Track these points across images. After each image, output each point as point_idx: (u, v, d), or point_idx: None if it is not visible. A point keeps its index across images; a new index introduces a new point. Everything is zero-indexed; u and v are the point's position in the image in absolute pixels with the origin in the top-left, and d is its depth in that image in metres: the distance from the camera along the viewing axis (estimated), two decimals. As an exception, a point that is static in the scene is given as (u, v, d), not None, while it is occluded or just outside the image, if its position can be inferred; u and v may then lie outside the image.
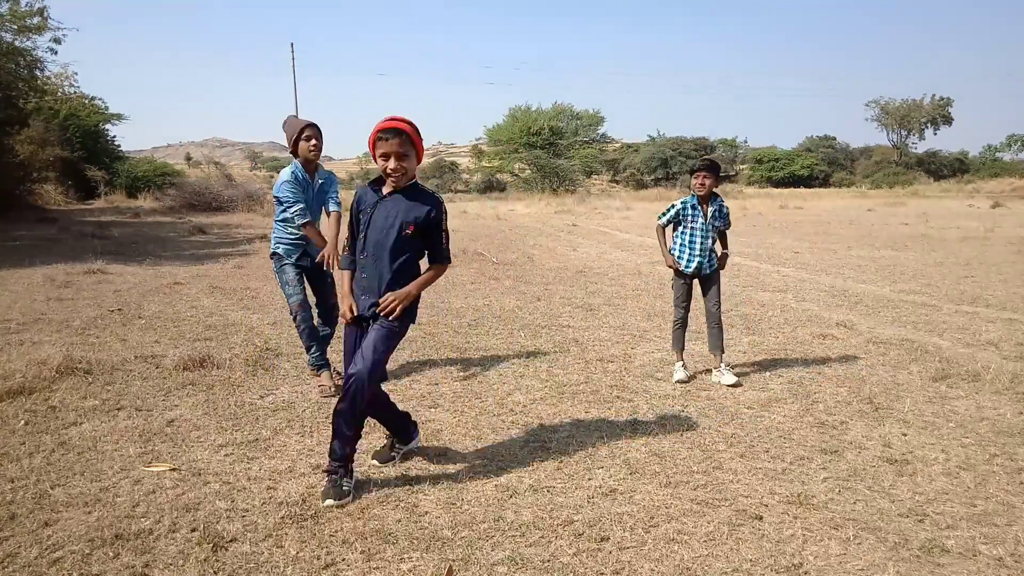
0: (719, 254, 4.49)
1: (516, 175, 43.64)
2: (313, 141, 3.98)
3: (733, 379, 4.22)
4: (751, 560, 2.29)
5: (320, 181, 4.14)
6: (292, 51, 33.33)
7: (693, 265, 4.37)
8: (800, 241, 13.16)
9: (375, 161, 2.76)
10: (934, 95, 54.96)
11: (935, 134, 57.40)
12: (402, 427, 3.09)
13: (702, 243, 4.35)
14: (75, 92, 23.82)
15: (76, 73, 22.44)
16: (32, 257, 9.58)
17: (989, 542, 2.42)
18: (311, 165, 4.08)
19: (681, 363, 4.41)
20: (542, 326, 5.77)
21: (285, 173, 4.02)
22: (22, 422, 3.44)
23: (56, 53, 17.72)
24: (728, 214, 4.48)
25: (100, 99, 27.38)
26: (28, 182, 19.79)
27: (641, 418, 3.64)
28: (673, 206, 4.45)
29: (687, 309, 4.45)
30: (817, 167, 49.11)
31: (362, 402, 2.72)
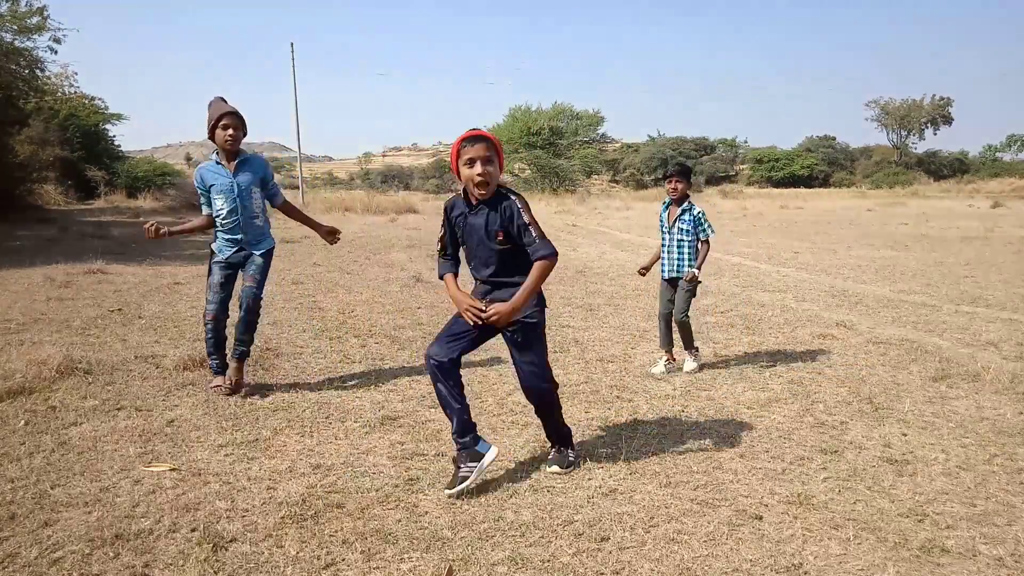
0: (689, 270, 4.39)
1: (516, 175, 43.64)
2: (230, 131, 3.81)
3: (692, 366, 4.40)
4: (751, 560, 2.28)
5: (240, 160, 3.92)
6: (292, 51, 33.27)
7: (665, 268, 4.51)
8: (800, 241, 13.16)
9: (457, 174, 2.81)
10: (934, 95, 55.07)
11: (935, 134, 57.48)
12: (564, 435, 3.07)
13: (669, 246, 4.46)
14: (75, 92, 23.85)
15: (76, 73, 22.47)
16: (32, 257, 9.58)
17: (989, 542, 2.42)
18: (229, 155, 3.89)
19: (664, 359, 4.47)
20: (542, 326, 5.77)
21: (196, 170, 3.98)
22: (22, 422, 3.44)
23: (56, 53, 17.75)
24: (700, 220, 4.39)
25: (100, 99, 27.41)
26: (28, 182, 19.80)
27: (641, 418, 3.64)
28: (661, 218, 4.61)
29: (667, 305, 4.52)
30: (817, 167, 49.12)
31: (553, 404, 2.96)
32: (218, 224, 3.95)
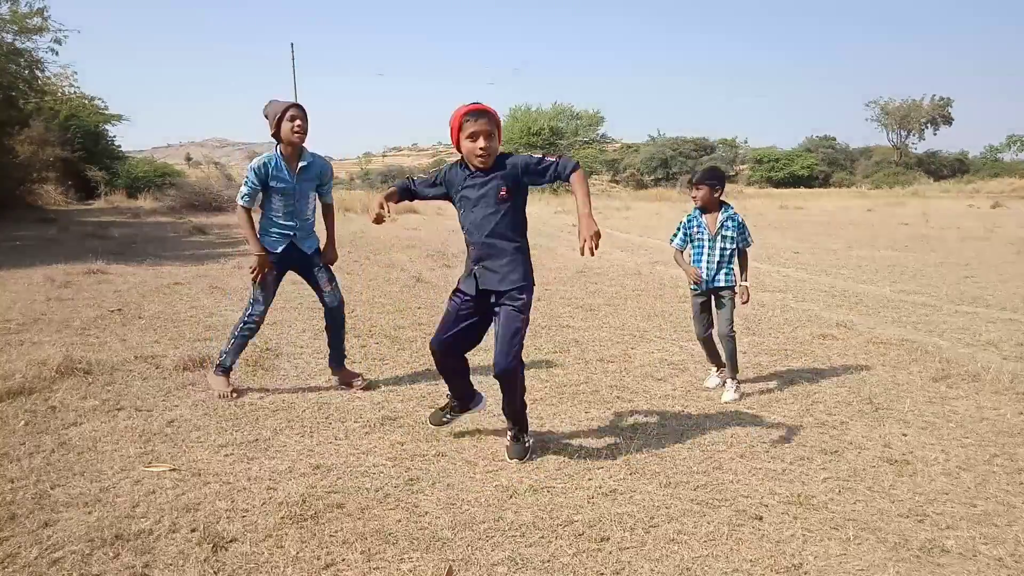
0: (737, 279, 4.06)
1: (516, 175, 43.51)
2: (298, 122, 3.73)
3: (732, 396, 3.97)
4: (751, 560, 2.28)
5: (303, 164, 3.85)
6: (292, 51, 33.31)
7: (705, 280, 4.06)
8: (800, 241, 13.16)
9: (457, 147, 2.85)
10: (934, 95, 54.98)
11: (935, 134, 57.40)
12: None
13: (709, 255, 4.06)
14: (75, 92, 23.85)
15: (76, 73, 22.45)
16: (32, 257, 9.58)
17: (989, 542, 2.42)
18: (294, 149, 3.81)
19: (716, 370, 4.21)
20: (542, 326, 5.77)
21: (257, 159, 3.82)
22: (22, 422, 3.44)
23: (57, 54, 17.72)
24: (743, 226, 4.09)
25: (100, 99, 27.37)
26: (28, 182, 19.78)
27: (641, 418, 3.64)
28: (680, 224, 4.19)
29: (706, 325, 4.14)
30: (817, 167, 49.09)
31: (518, 383, 3.01)
32: (271, 220, 3.87)
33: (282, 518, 2.52)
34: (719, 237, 4.05)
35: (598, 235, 2.66)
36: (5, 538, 2.37)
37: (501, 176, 2.86)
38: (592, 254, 2.69)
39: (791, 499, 2.72)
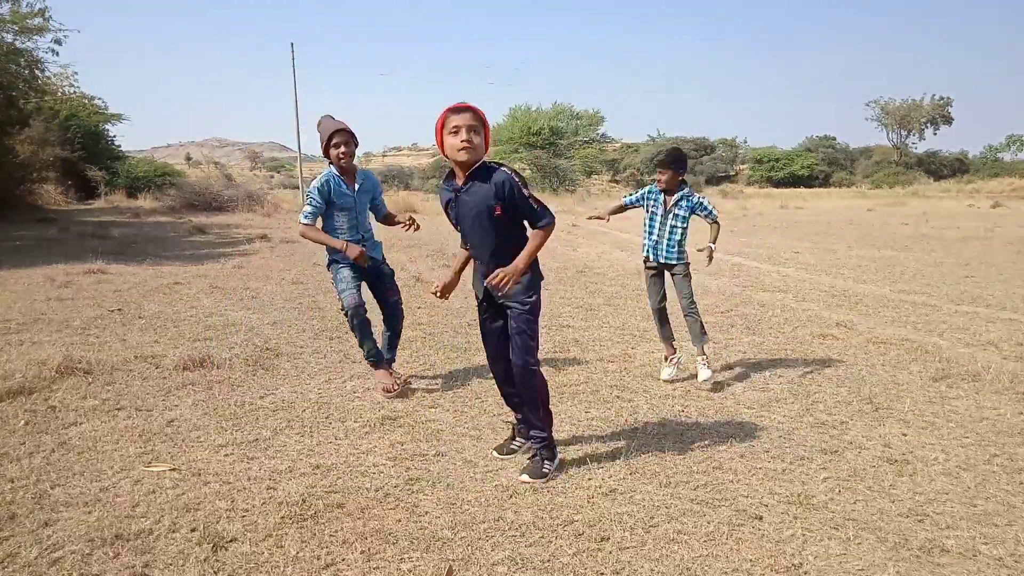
0: (706, 246, 4.28)
1: (516, 175, 43.50)
2: (342, 148, 3.88)
3: (707, 374, 4.15)
4: (751, 560, 2.28)
5: (359, 183, 4.03)
6: (292, 51, 33.25)
7: (650, 253, 4.34)
8: (800, 241, 13.16)
9: (442, 148, 2.80)
10: (934, 95, 55.05)
11: (935, 134, 57.48)
12: (543, 437, 3.03)
13: (659, 231, 4.28)
14: (75, 92, 23.85)
15: (76, 73, 22.46)
16: (32, 257, 9.58)
17: (989, 542, 2.42)
18: (346, 170, 3.97)
19: (670, 358, 4.33)
20: (542, 326, 5.75)
21: (317, 179, 3.96)
22: (22, 422, 3.44)
23: (57, 54, 17.74)
24: (702, 204, 4.23)
25: (100, 99, 27.39)
26: (28, 182, 19.79)
27: (641, 418, 3.64)
28: (640, 190, 4.43)
29: (658, 300, 4.34)
30: (817, 167, 49.12)
31: (533, 387, 2.92)
32: (337, 235, 3.97)
33: (282, 518, 2.52)
34: (671, 215, 4.26)
35: (506, 283, 2.70)
36: (5, 538, 2.37)
37: (494, 195, 2.76)
38: (496, 288, 2.72)
39: (791, 499, 2.72)
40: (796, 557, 2.31)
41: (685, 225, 4.27)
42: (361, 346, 4.02)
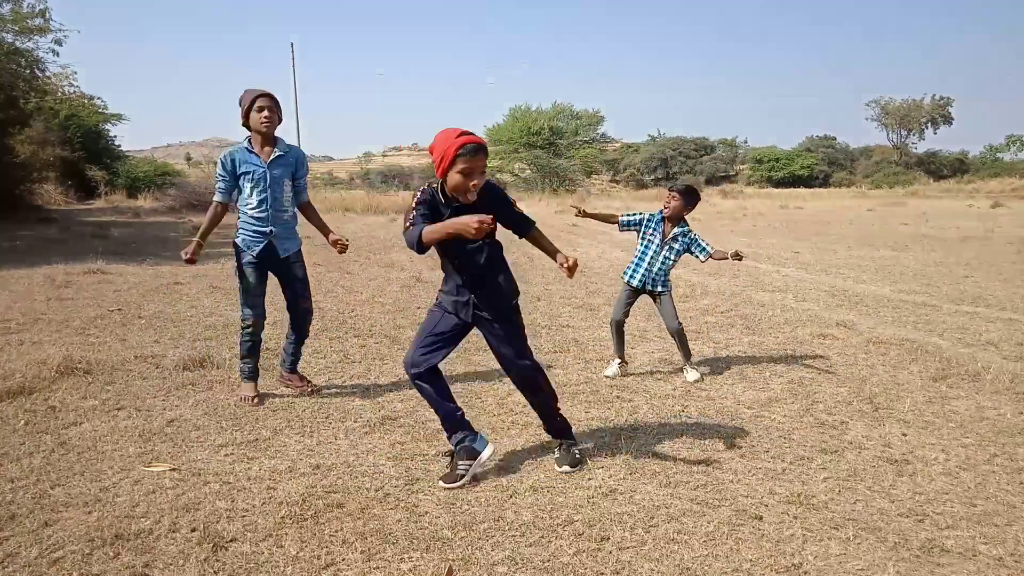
0: (734, 251, 4.22)
1: (516, 175, 43.63)
2: (266, 112, 3.59)
3: (696, 376, 4.28)
4: (751, 560, 2.28)
5: (278, 154, 3.71)
6: (292, 51, 33.33)
7: (637, 277, 4.32)
8: (800, 241, 13.16)
9: (442, 176, 2.63)
10: (934, 95, 55.05)
11: (935, 134, 57.51)
12: (563, 427, 3.08)
13: (651, 260, 4.27)
14: (75, 92, 23.84)
15: (76, 73, 22.46)
16: (32, 257, 9.58)
17: (989, 542, 2.42)
18: (264, 138, 3.67)
19: (619, 362, 4.41)
20: (542, 326, 5.77)
21: (222, 153, 3.69)
22: (22, 422, 3.44)
23: (57, 55, 17.76)
24: (698, 243, 4.25)
25: (100, 99, 27.42)
26: (29, 182, 19.81)
27: (641, 418, 3.64)
28: (641, 214, 4.39)
29: (623, 315, 4.39)
30: (817, 167, 49.13)
31: (542, 389, 3.00)
32: (246, 214, 3.73)
33: (282, 518, 2.52)
34: (667, 247, 4.28)
35: (574, 267, 2.74)
36: (5, 538, 2.37)
37: (487, 205, 2.68)
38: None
39: (791, 499, 2.72)
40: (796, 557, 2.31)
41: (677, 259, 4.33)
42: (243, 359, 3.82)
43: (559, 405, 3.10)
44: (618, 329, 4.41)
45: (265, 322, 3.92)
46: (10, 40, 15.90)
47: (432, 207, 2.68)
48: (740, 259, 4.15)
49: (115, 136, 29.77)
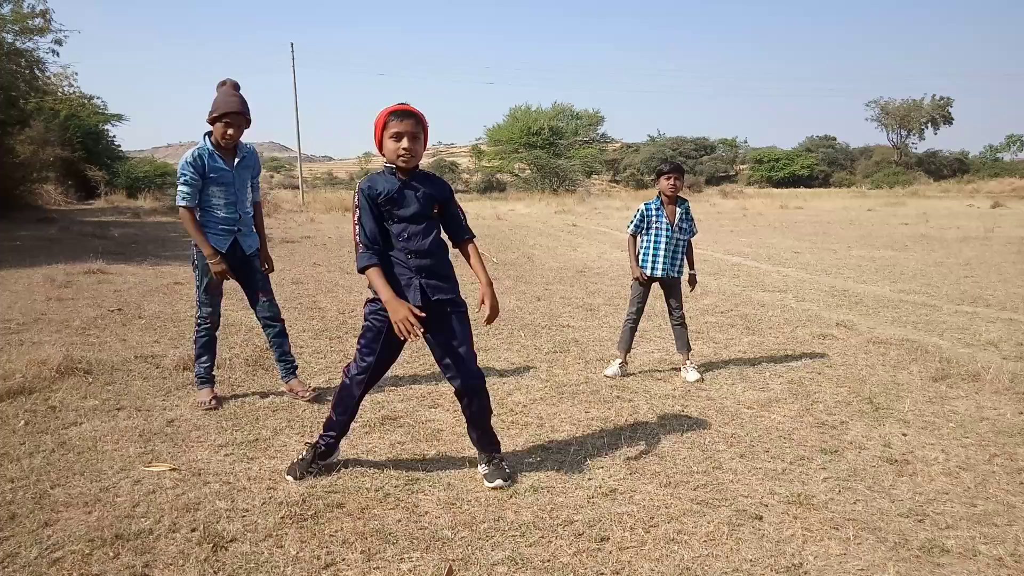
0: (688, 272, 4.44)
1: (516, 175, 43.66)
2: (231, 131, 3.59)
3: (696, 375, 4.29)
4: (751, 560, 2.28)
5: (239, 158, 3.73)
6: (292, 51, 33.29)
7: (659, 267, 4.33)
8: (800, 241, 13.16)
9: (379, 146, 2.74)
10: (934, 95, 55.06)
11: (935, 134, 57.54)
12: (494, 440, 2.96)
13: (666, 246, 4.31)
14: (75, 92, 23.86)
15: (76, 73, 22.47)
16: (32, 257, 9.58)
17: (989, 542, 2.42)
18: (226, 149, 3.68)
19: (620, 361, 4.41)
20: (542, 326, 5.77)
21: (189, 152, 3.63)
22: (22, 422, 3.44)
23: (57, 55, 17.77)
24: (693, 218, 4.44)
25: (99, 99, 27.43)
26: (28, 182, 19.81)
27: (641, 418, 3.64)
28: (638, 211, 4.38)
29: (641, 310, 4.43)
30: (817, 167, 49.16)
31: (488, 403, 2.89)
32: (213, 216, 3.71)
33: (282, 518, 2.52)
34: (678, 229, 4.33)
35: (494, 312, 2.77)
36: (5, 538, 2.37)
37: (433, 196, 2.75)
38: (488, 322, 2.78)
39: (791, 499, 2.72)
40: (796, 557, 2.31)
41: (687, 238, 4.40)
42: (197, 359, 3.79)
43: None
44: (634, 326, 4.44)
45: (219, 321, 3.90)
46: (10, 40, 15.90)
47: (380, 194, 2.72)
48: (691, 286, 4.37)
49: (115, 136, 29.80)
